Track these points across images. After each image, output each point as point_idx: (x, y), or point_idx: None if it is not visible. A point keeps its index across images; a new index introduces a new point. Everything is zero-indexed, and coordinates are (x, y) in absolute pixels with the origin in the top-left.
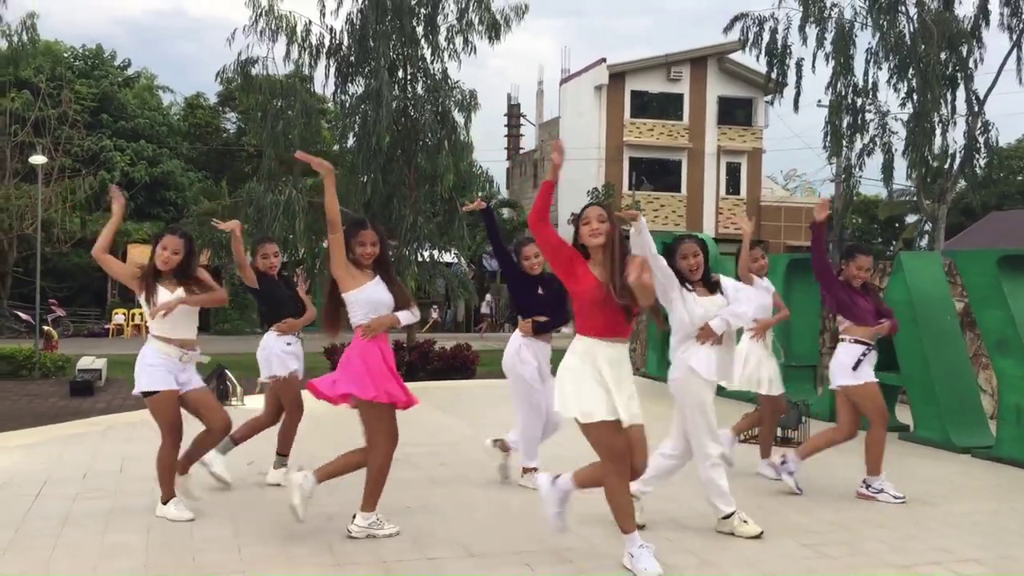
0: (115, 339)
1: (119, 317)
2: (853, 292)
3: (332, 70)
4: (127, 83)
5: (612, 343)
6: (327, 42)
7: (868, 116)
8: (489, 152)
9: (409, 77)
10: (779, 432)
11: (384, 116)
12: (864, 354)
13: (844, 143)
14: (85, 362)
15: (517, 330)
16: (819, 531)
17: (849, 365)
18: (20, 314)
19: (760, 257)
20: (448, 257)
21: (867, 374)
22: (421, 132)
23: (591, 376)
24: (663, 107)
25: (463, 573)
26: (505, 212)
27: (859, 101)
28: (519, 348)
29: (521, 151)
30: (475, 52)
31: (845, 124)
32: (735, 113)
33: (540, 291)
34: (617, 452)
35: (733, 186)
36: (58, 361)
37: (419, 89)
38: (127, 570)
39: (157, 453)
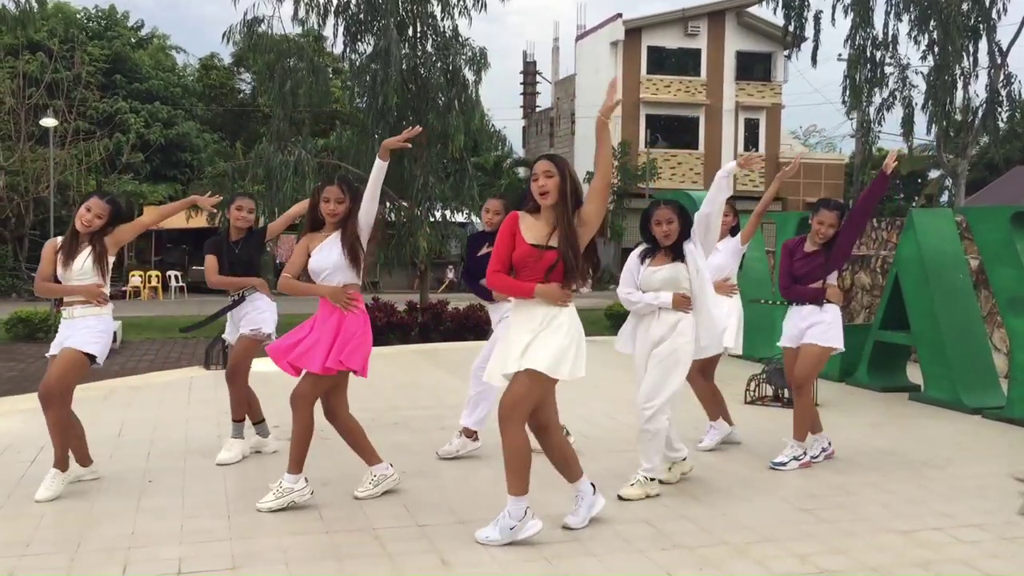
0: (132, 301)
1: (135, 279)
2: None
3: (341, 29)
4: (140, 44)
5: (529, 303)
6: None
7: (888, 70)
8: (506, 111)
9: (419, 35)
10: (787, 393)
11: (393, 75)
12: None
13: (863, 97)
14: None
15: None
16: (820, 494)
17: None
18: None
19: (727, 213)
20: (460, 217)
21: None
22: (431, 91)
23: (503, 335)
24: (680, 63)
25: (450, 540)
26: (521, 171)
27: (879, 54)
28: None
29: (537, 109)
30: (485, 8)
31: (864, 78)
32: (753, 68)
33: (487, 248)
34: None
35: (752, 143)
36: None
37: (428, 47)
38: (113, 537)
39: None
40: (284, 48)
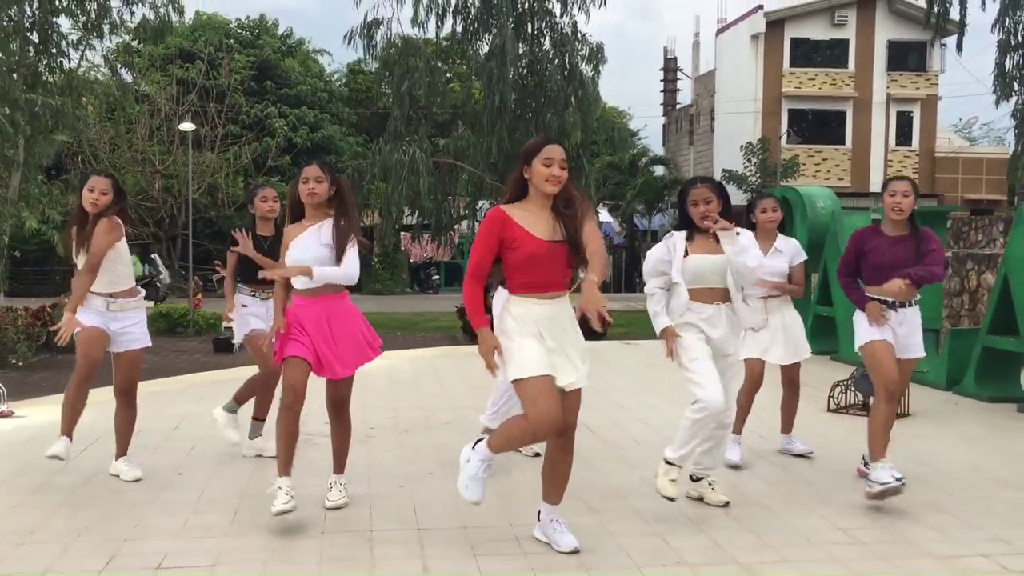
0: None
1: None
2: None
3: (459, 29)
4: (289, 51)
5: (550, 300)
6: (453, 0)
7: None
8: (647, 108)
9: (536, 32)
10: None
11: (510, 73)
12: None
13: (1015, 86)
14: None
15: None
16: (867, 513)
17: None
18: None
19: (771, 209)
20: None
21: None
22: (549, 88)
23: (530, 334)
24: (826, 54)
25: (444, 547)
26: (659, 170)
27: None
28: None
29: (678, 106)
30: (605, 4)
31: (1015, 64)
32: (907, 58)
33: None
34: (543, 411)
35: (905, 136)
36: (210, 319)
37: (546, 44)
38: (116, 529)
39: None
40: (402, 49)
